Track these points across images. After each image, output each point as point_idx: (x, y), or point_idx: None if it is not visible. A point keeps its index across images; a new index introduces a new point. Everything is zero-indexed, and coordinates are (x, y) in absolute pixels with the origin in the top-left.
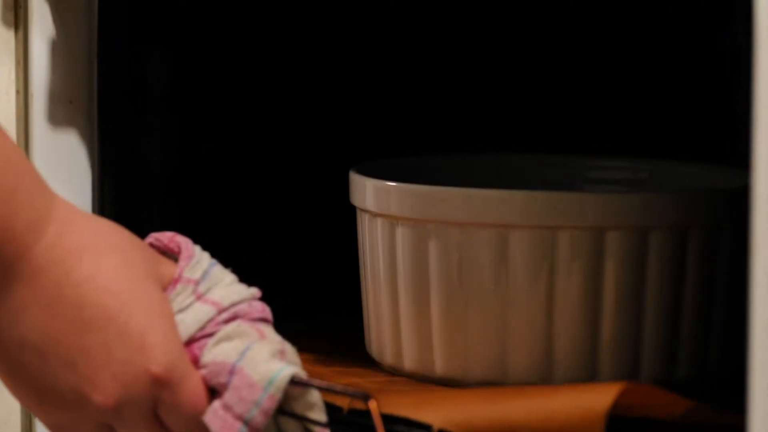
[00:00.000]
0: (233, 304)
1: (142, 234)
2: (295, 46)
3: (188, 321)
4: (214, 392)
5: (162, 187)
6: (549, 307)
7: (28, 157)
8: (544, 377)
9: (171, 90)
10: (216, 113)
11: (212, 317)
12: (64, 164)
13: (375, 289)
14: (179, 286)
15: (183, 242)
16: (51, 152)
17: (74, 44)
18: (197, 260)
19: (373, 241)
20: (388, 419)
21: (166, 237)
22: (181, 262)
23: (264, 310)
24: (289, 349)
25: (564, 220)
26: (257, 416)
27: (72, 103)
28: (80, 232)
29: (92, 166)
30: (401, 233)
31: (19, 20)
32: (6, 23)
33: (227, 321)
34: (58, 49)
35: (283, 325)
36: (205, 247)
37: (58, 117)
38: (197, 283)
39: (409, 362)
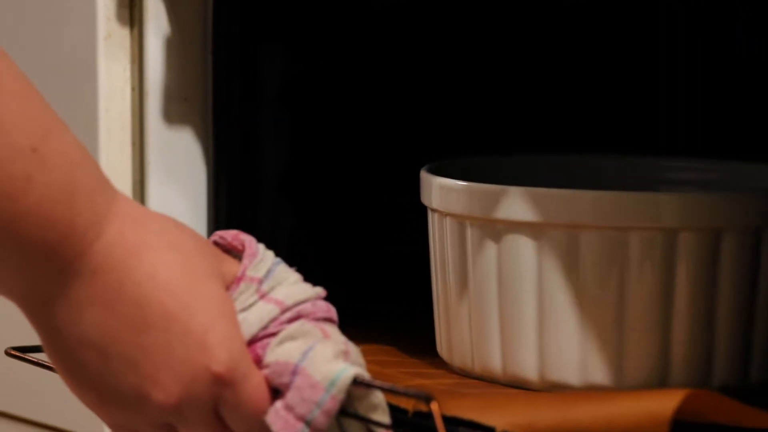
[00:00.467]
0: (297, 303)
1: (255, 231)
2: (404, 47)
3: (251, 320)
4: (277, 392)
5: (275, 185)
6: (620, 309)
7: (143, 154)
8: (616, 380)
9: (285, 88)
10: (329, 111)
11: (275, 316)
12: (179, 162)
13: (444, 290)
14: (242, 285)
15: (247, 240)
16: (166, 149)
17: (189, 42)
18: (261, 258)
19: (442, 241)
20: (452, 421)
21: (230, 235)
22: (245, 260)
23: (329, 309)
24: (353, 349)
25: (635, 221)
26: (319, 417)
27: (187, 101)
28: (141, 229)
29: (207, 164)
30: (470, 233)
31: (134, 18)
32: (121, 21)
33: (291, 320)
34: (172, 46)
35: (365, 323)
36: (317, 246)
37: (172, 114)
38: (261, 281)
39: (478, 364)
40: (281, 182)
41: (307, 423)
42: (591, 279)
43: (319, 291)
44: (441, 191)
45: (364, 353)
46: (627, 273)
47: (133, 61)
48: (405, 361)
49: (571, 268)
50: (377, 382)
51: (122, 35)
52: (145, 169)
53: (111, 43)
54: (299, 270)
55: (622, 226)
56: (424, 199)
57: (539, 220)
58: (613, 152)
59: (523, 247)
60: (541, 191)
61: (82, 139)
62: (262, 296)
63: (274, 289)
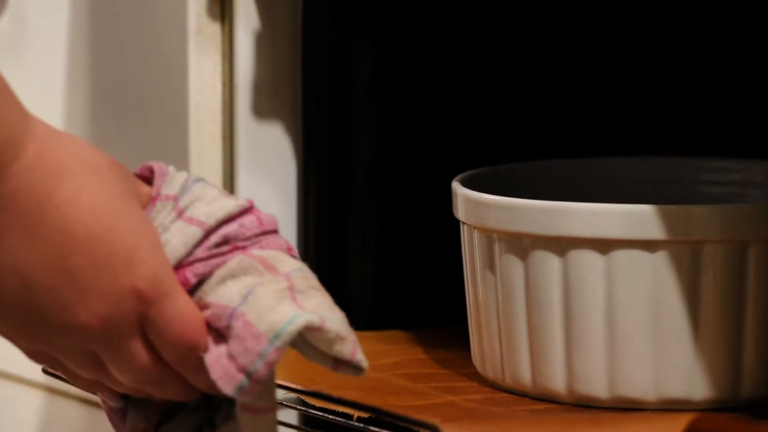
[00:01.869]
0: (219, 223)
1: (344, 225)
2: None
3: (175, 243)
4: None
5: (364, 179)
6: (651, 322)
7: (233, 147)
8: (644, 392)
9: (375, 82)
10: (420, 109)
11: (200, 239)
12: (268, 155)
13: (476, 301)
14: (158, 204)
15: (156, 165)
16: (255, 144)
17: (279, 36)
18: (173, 176)
19: (472, 253)
20: None
21: (139, 167)
22: (157, 180)
23: (262, 223)
24: (299, 276)
25: (665, 234)
26: (261, 368)
27: (276, 95)
28: (59, 151)
29: (297, 157)
30: (498, 247)
31: (224, 13)
32: (212, 16)
33: (219, 245)
34: (262, 41)
35: (413, 329)
36: (407, 241)
37: (262, 109)
38: (176, 198)
39: (509, 377)
40: (371, 176)
41: (248, 374)
42: (621, 293)
43: (243, 203)
44: (467, 204)
45: (401, 365)
46: (657, 288)
47: (224, 56)
48: (438, 373)
49: (598, 283)
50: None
51: (213, 30)
52: (234, 163)
53: (202, 38)
54: (388, 267)
55: (653, 239)
56: (455, 211)
57: (565, 235)
58: (637, 154)
59: (550, 262)
60: (566, 206)
61: (174, 132)
62: (180, 214)
63: (192, 206)
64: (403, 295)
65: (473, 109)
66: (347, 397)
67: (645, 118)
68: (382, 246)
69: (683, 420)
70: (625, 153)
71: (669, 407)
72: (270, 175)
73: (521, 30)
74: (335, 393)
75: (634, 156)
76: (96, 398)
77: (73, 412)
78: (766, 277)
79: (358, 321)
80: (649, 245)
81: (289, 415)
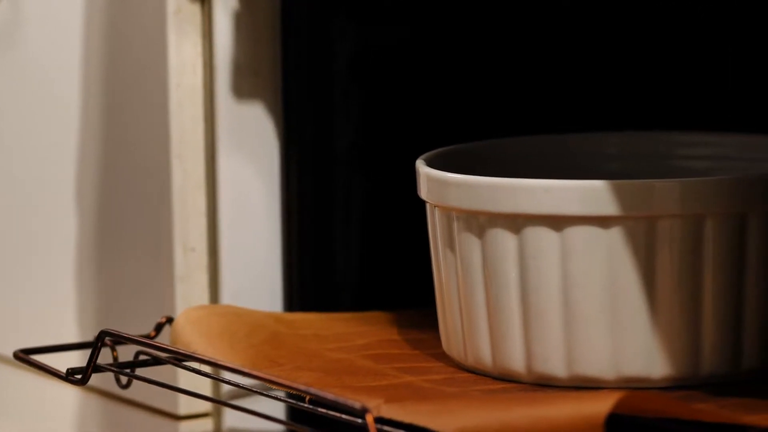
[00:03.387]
0: None
1: (327, 204)
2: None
3: None
4: None
5: (346, 158)
6: (608, 300)
7: (214, 129)
8: (602, 371)
9: (355, 61)
10: (401, 86)
11: None
12: (250, 136)
13: (439, 281)
14: None
15: None
16: (236, 124)
17: (258, 15)
18: None
19: (434, 232)
20: (401, 426)
21: None
22: None
23: None
24: None
25: (620, 210)
26: None
27: (258, 75)
28: None
29: (279, 138)
30: (456, 225)
31: None
32: None
33: None
34: (241, 20)
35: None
36: (390, 218)
37: (243, 89)
38: None
39: (471, 357)
40: (353, 155)
41: None
42: (576, 271)
43: None
44: (428, 182)
45: (371, 346)
46: (614, 262)
47: (203, 36)
48: (405, 354)
49: (554, 260)
50: (314, 394)
51: (192, 10)
52: (216, 144)
53: (181, 18)
54: (372, 246)
55: (607, 215)
56: (418, 190)
57: (519, 212)
58: (614, 129)
59: (505, 240)
60: (518, 183)
61: (154, 113)
62: None
63: None
64: (388, 275)
65: (454, 85)
66: (302, 378)
67: (619, 94)
68: (365, 226)
69: (610, 399)
70: (599, 128)
71: (628, 385)
72: (252, 156)
73: (498, 6)
74: (298, 374)
75: (608, 131)
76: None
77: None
78: (723, 252)
79: (342, 301)
80: (603, 221)
81: None
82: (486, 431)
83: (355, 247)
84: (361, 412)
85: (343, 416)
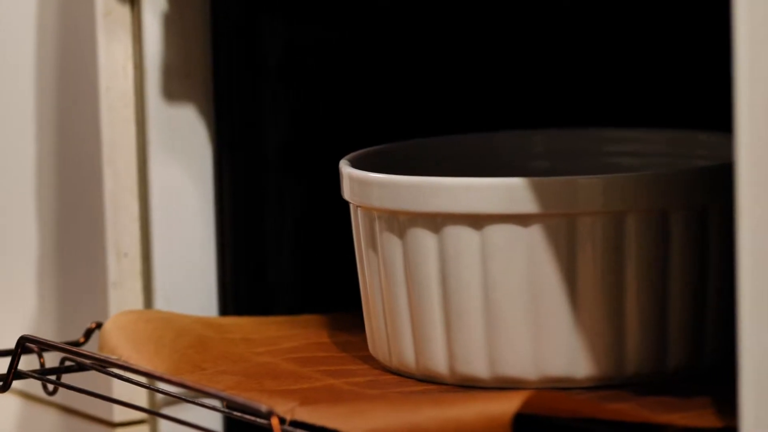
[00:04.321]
0: None
1: (261, 206)
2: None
3: None
4: None
5: (279, 159)
6: (530, 300)
7: (144, 131)
8: (525, 371)
9: (286, 61)
10: (331, 86)
11: None
12: (182, 139)
13: (363, 283)
14: None
15: None
16: (168, 127)
17: (188, 17)
18: None
19: (358, 233)
20: (312, 429)
21: None
22: None
23: None
24: None
25: (539, 208)
26: None
27: (189, 77)
28: None
29: (211, 140)
30: (378, 225)
31: None
32: None
33: None
34: (171, 23)
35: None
36: (324, 220)
37: (174, 92)
38: None
39: (395, 359)
40: (284, 157)
41: None
42: (496, 270)
43: None
44: (351, 183)
45: (298, 349)
46: (532, 263)
47: (134, 39)
48: (332, 357)
49: (474, 260)
50: (224, 397)
51: (122, 12)
52: (147, 148)
53: (111, 20)
54: (306, 249)
55: (526, 213)
56: (342, 191)
57: (438, 211)
58: (541, 127)
59: (426, 239)
60: (437, 181)
61: (85, 117)
62: None
63: None
64: (323, 277)
65: (384, 85)
66: (224, 382)
67: (546, 91)
68: (299, 228)
69: (516, 399)
70: (525, 126)
71: (551, 386)
72: (184, 160)
73: (423, 7)
74: (220, 378)
75: (535, 129)
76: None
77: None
78: (646, 249)
79: (278, 305)
80: (522, 219)
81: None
82: None
83: (288, 250)
84: (267, 415)
85: (250, 418)
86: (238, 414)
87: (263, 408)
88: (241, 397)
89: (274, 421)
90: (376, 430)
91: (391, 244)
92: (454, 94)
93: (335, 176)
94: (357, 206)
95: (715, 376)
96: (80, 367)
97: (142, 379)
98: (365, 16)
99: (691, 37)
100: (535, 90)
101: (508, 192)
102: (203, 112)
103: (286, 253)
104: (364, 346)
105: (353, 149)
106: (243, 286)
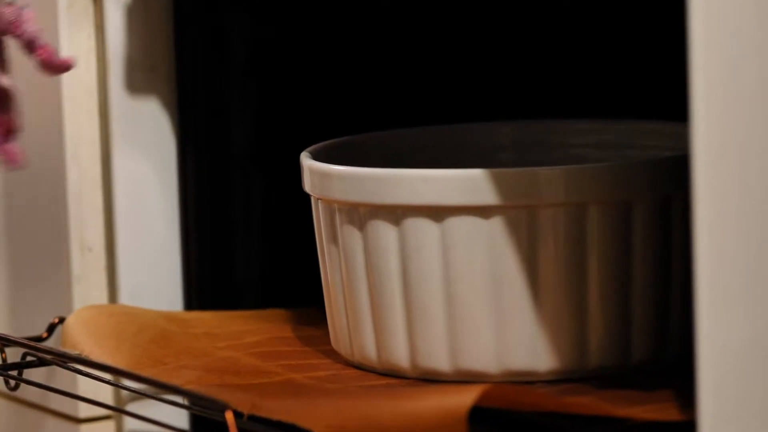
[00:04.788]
0: None
1: (226, 201)
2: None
3: None
4: None
5: (244, 154)
6: (492, 293)
7: (107, 124)
8: (488, 364)
9: (252, 56)
10: (298, 78)
11: None
12: (146, 131)
13: (325, 277)
14: None
15: None
16: (131, 119)
17: (151, 10)
18: None
19: (319, 226)
20: (268, 423)
21: None
22: None
23: None
24: None
25: (500, 199)
26: None
27: (153, 70)
28: None
29: (175, 134)
30: (338, 218)
31: None
32: None
33: None
34: (134, 15)
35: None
36: (289, 214)
37: (137, 84)
38: None
39: (357, 353)
40: (249, 151)
41: None
42: (457, 262)
43: None
44: (312, 175)
45: (261, 343)
46: (496, 253)
47: (97, 30)
48: (295, 351)
49: (434, 252)
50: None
51: (85, 4)
52: (110, 140)
53: (74, 12)
54: (272, 244)
55: (487, 205)
56: (302, 184)
57: (398, 203)
58: (507, 118)
59: (386, 232)
60: (397, 173)
61: (47, 108)
62: None
63: None
64: (289, 271)
65: (351, 80)
66: (184, 377)
67: (513, 84)
68: (265, 222)
69: (472, 393)
70: (491, 118)
71: (514, 379)
72: (148, 153)
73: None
74: (180, 373)
75: (500, 120)
76: None
77: None
78: (608, 241)
79: (244, 299)
80: (483, 211)
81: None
82: (351, 426)
83: (254, 244)
84: (223, 409)
85: (207, 412)
86: (198, 409)
87: (219, 402)
88: (199, 392)
89: (229, 416)
90: (333, 424)
91: (352, 236)
92: (420, 86)
93: (300, 171)
94: (318, 199)
95: (679, 369)
96: (41, 363)
97: (106, 375)
98: (330, 10)
99: (651, 28)
100: (501, 82)
101: (468, 183)
102: (167, 105)
103: (252, 247)
104: (327, 340)
105: (319, 143)
106: (208, 280)
